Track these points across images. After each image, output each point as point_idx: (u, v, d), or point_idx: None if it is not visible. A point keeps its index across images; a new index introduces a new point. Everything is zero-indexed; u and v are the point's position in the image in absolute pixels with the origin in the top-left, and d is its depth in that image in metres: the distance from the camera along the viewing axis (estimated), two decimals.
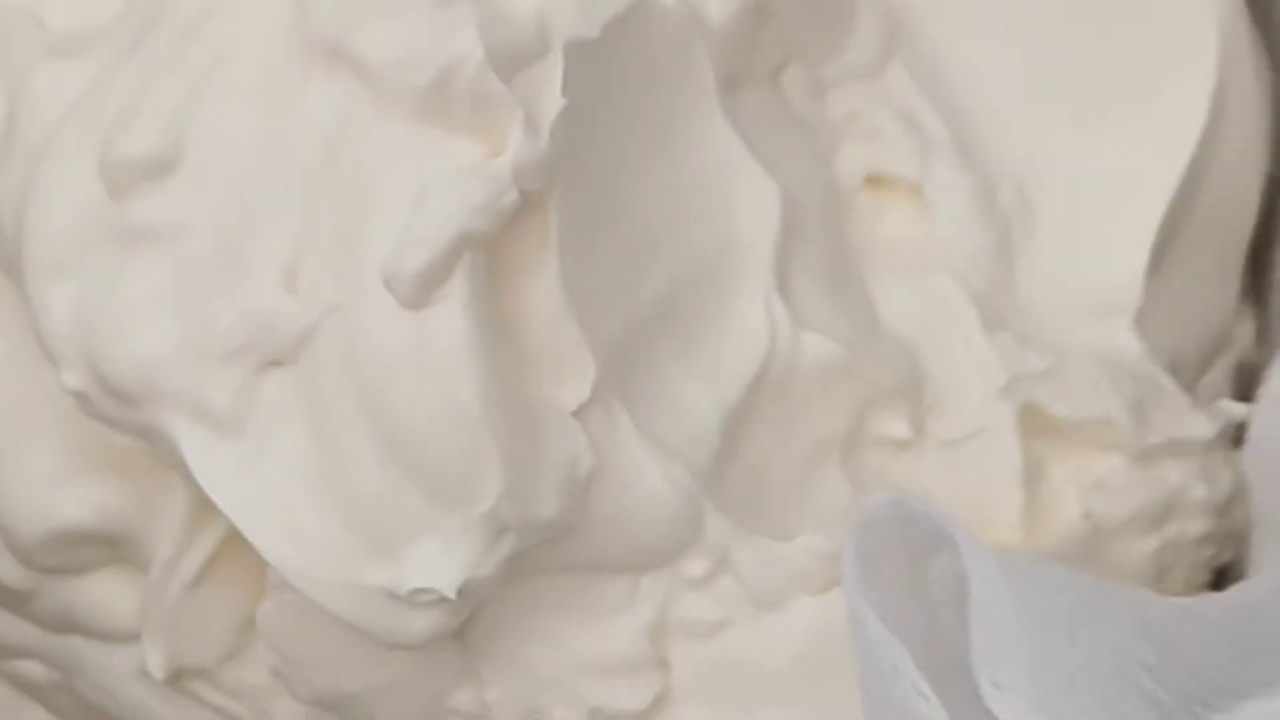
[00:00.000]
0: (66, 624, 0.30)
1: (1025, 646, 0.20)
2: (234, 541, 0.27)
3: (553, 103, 0.25)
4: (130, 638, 0.29)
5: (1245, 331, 0.32)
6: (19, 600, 0.29)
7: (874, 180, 0.31)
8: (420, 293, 0.24)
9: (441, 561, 0.25)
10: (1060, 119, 0.31)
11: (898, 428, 0.28)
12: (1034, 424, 0.29)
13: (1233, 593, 0.23)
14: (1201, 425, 0.29)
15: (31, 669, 0.32)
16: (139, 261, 0.26)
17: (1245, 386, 0.32)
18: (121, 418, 0.26)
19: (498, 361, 0.25)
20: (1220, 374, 0.32)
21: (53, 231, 0.26)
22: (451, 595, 0.24)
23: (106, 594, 0.29)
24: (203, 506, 0.27)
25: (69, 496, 0.28)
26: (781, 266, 0.28)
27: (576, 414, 0.26)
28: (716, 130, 0.28)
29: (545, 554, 0.26)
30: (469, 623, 0.26)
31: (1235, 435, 0.30)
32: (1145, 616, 0.21)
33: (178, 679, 0.29)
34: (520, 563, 0.25)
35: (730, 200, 0.28)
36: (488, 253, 0.25)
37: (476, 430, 0.24)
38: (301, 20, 0.25)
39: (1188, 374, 0.31)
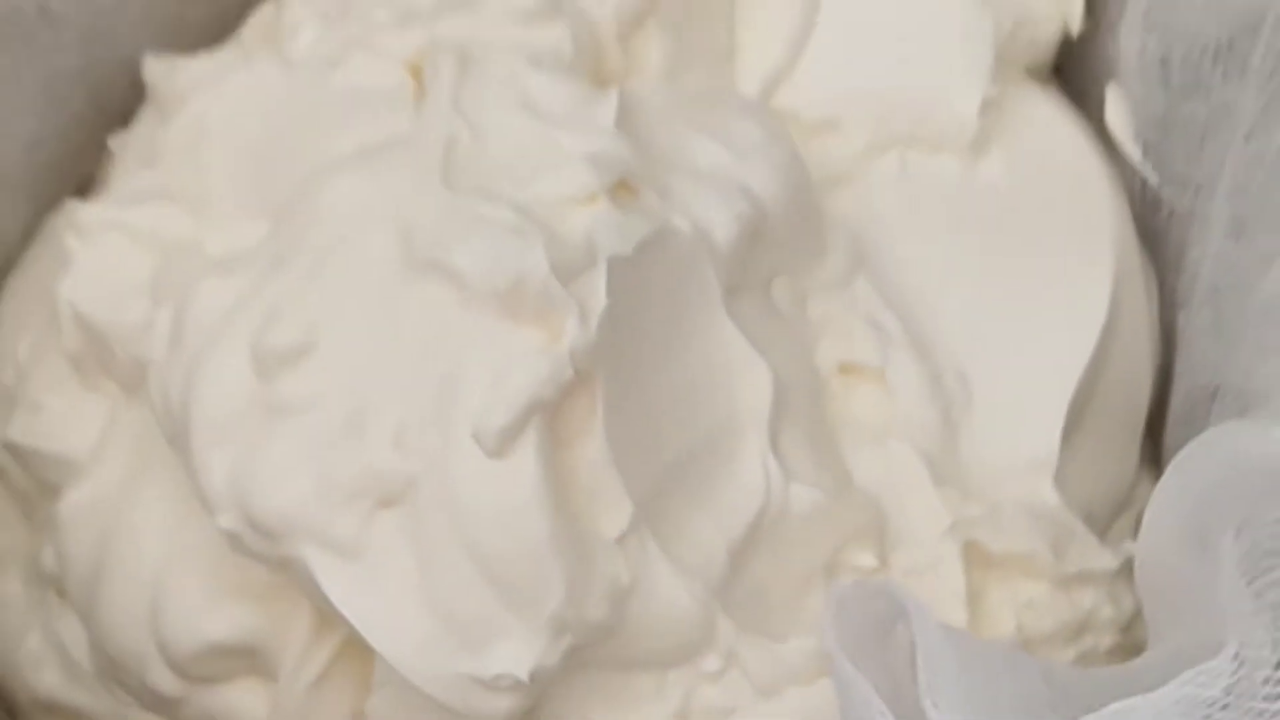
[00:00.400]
0: None
1: (959, 683, 0.27)
2: (347, 649, 0.34)
3: (598, 302, 0.32)
4: None
5: (1145, 490, 0.38)
6: (170, 706, 0.36)
7: (846, 368, 0.37)
8: (501, 446, 0.31)
9: (517, 653, 0.31)
10: (990, 319, 0.38)
11: (867, 559, 0.35)
12: (975, 557, 0.35)
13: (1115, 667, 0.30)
14: (1108, 559, 0.36)
15: None
16: (281, 429, 0.32)
17: None
18: (265, 552, 0.32)
19: (559, 500, 0.31)
20: (1126, 523, 0.38)
21: (213, 408, 0.33)
22: (526, 680, 0.31)
23: (244, 699, 0.35)
24: (323, 622, 0.34)
25: (218, 618, 0.35)
26: (774, 433, 0.34)
27: (617, 541, 0.32)
28: (722, 326, 0.34)
29: (593, 652, 0.32)
30: (535, 708, 0.33)
31: None
32: (1049, 671, 0.28)
33: None
34: (575, 658, 0.32)
35: (732, 381, 0.34)
36: (551, 416, 0.32)
37: (544, 553, 0.31)
38: (408, 244, 0.33)
39: (1099, 523, 0.37)
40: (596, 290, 0.32)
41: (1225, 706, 0.25)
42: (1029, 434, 0.37)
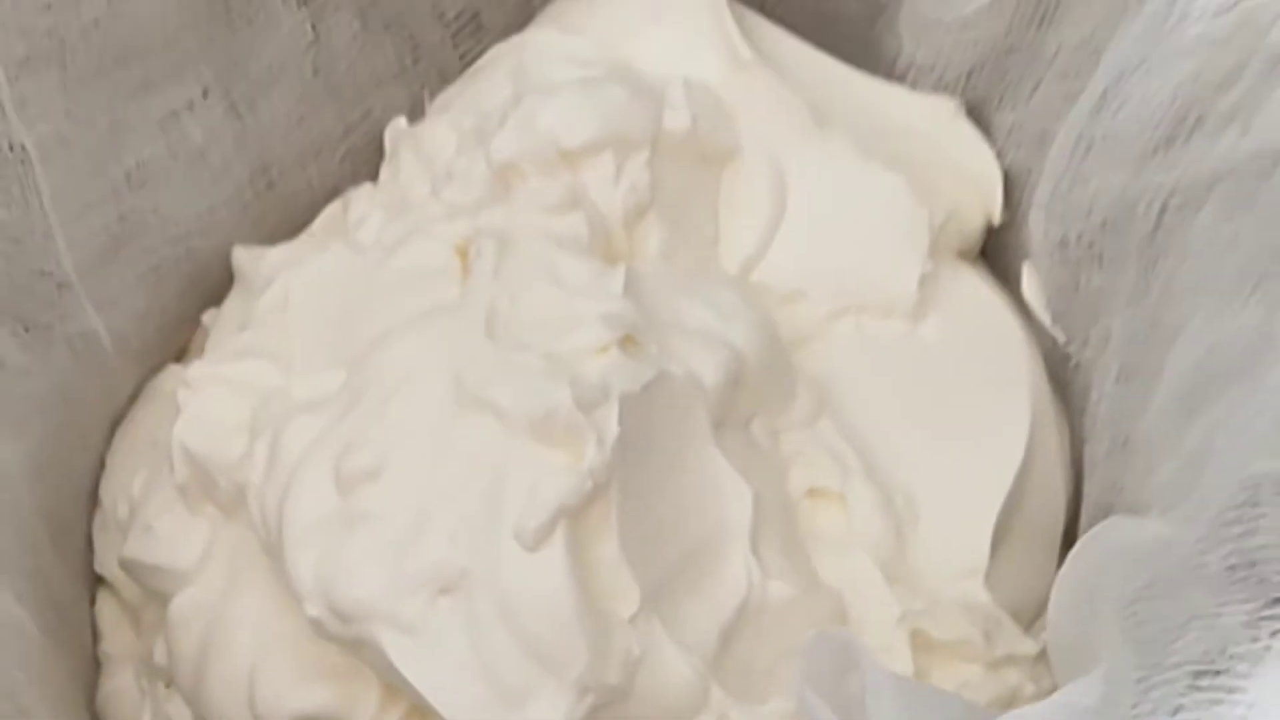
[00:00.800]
0: None
1: (899, 714, 0.34)
2: (410, 717, 0.41)
3: (612, 430, 0.39)
4: None
5: None
6: None
7: (812, 492, 0.43)
8: (537, 543, 0.38)
9: (551, 710, 0.38)
10: (931, 452, 0.44)
11: None
12: (920, 643, 0.42)
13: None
14: (1030, 646, 0.42)
15: None
16: (358, 534, 0.39)
17: None
18: (344, 634, 0.39)
19: (582, 585, 0.39)
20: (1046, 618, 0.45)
21: (302, 519, 0.40)
22: None
23: None
24: (389, 695, 0.40)
25: (304, 694, 0.41)
26: (754, 541, 0.41)
27: (629, 621, 0.39)
28: (711, 453, 0.41)
29: (610, 711, 0.39)
30: None
31: None
32: (972, 707, 0.35)
33: None
34: (595, 716, 0.39)
35: (720, 497, 0.41)
36: (575, 520, 0.39)
37: (571, 628, 0.38)
38: (458, 386, 0.40)
39: (1024, 617, 0.44)
40: (611, 421, 0.39)
41: (1098, 713, 0.32)
42: (964, 545, 0.44)
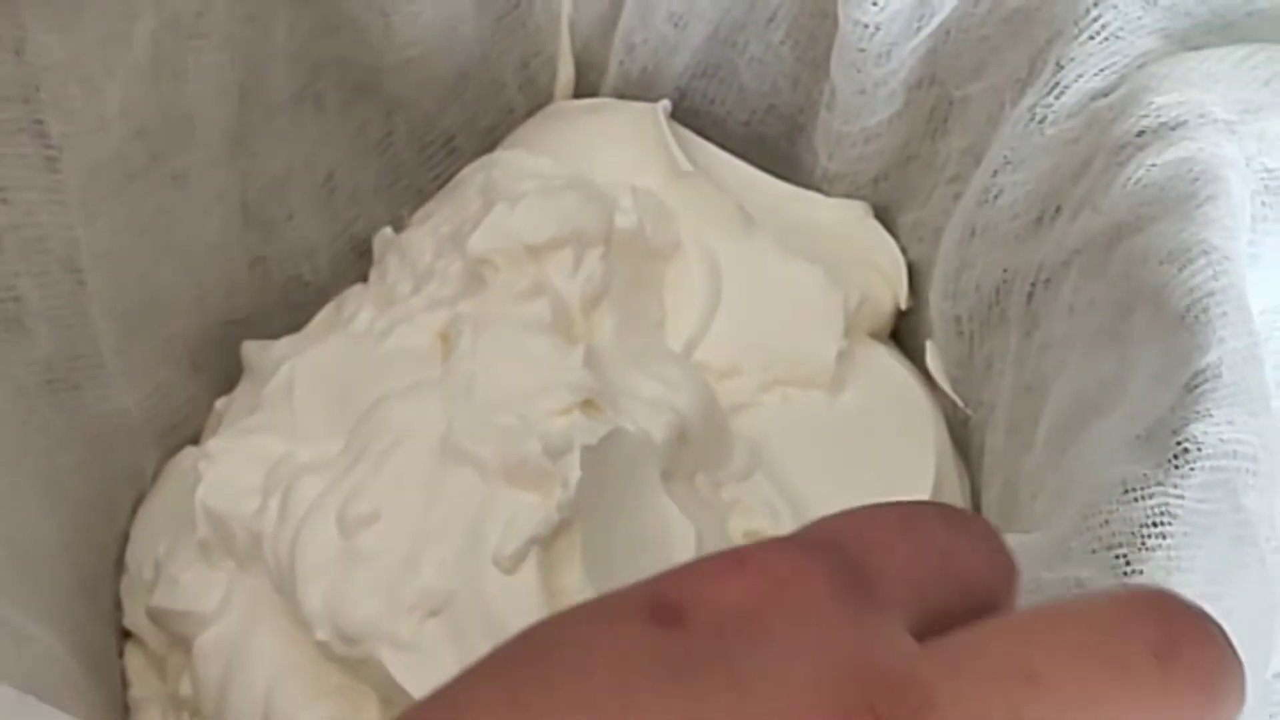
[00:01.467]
0: None
1: None
2: None
3: (575, 475, 0.45)
4: None
5: None
6: None
7: (749, 534, 0.49)
8: (513, 567, 0.44)
9: None
10: (850, 498, 0.46)
11: None
12: None
13: None
14: None
15: None
16: (359, 568, 0.46)
17: None
18: (348, 654, 0.45)
19: (553, 604, 0.45)
20: None
21: (311, 558, 0.46)
22: None
23: None
24: (386, 709, 0.47)
25: (313, 711, 0.47)
26: None
27: None
28: (660, 499, 0.47)
29: None
30: None
31: None
32: None
33: None
34: None
35: (669, 536, 0.47)
36: (545, 550, 0.45)
37: None
38: (443, 443, 0.47)
39: None
40: (574, 467, 0.45)
41: None
42: None
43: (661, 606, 0.26)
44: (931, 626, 0.26)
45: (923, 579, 0.27)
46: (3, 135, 0.47)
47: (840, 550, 0.27)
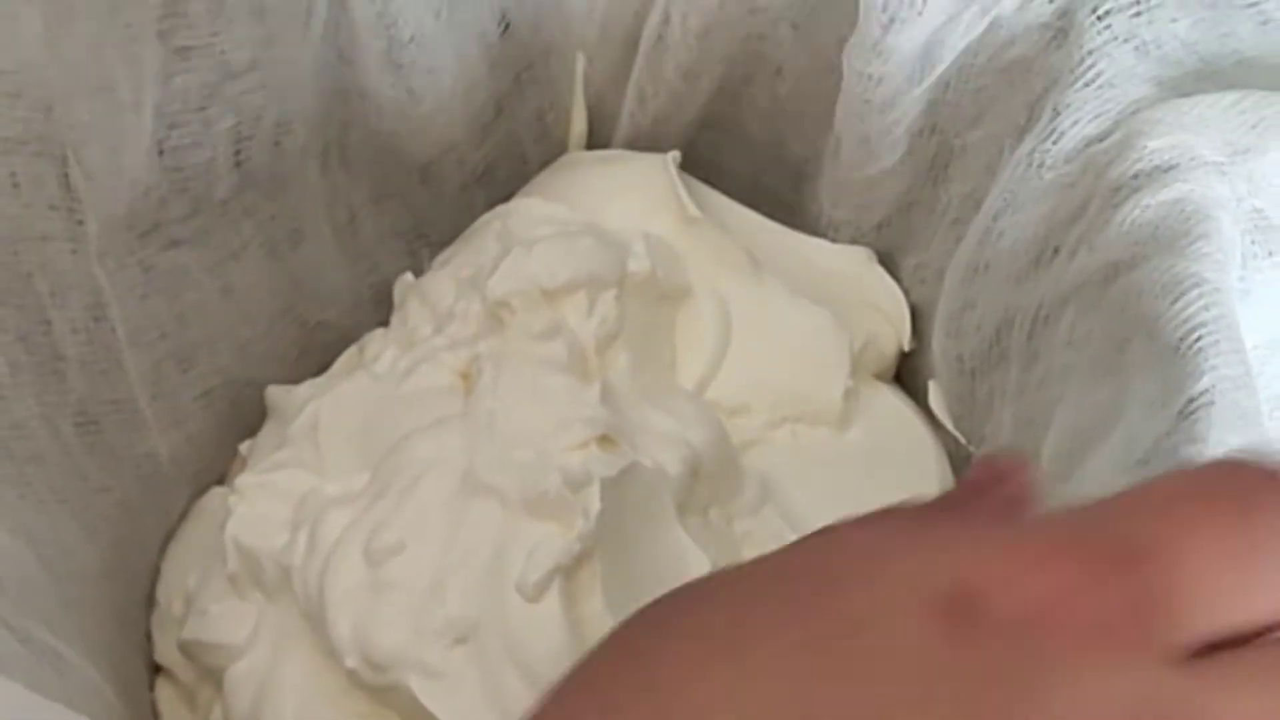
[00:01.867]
0: None
1: None
2: None
3: (595, 506, 0.47)
4: None
5: None
6: None
7: None
8: (537, 595, 0.46)
9: None
10: None
11: None
12: None
13: None
14: None
15: None
16: (386, 598, 0.47)
17: None
18: (376, 681, 0.47)
19: (575, 629, 0.46)
20: None
21: (340, 588, 0.48)
22: None
23: None
24: None
25: None
26: None
27: None
28: (675, 531, 0.49)
29: None
30: None
31: None
32: None
33: None
34: None
35: (684, 565, 0.48)
36: (567, 578, 0.47)
37: (565, 662, 0.46)
38: (466, 477, 0.49)
39: None
40: (594, 498, 0.47)
41: None
42: None
43: (957, 598, 0.26)
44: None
45: (1233, 588, 0.26)
46: (33, 185, 0.48)
47: (1148, 565, 0.26)
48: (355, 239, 0.58)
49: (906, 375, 0.59)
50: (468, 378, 0.53)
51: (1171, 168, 0.46)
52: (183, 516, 0.57)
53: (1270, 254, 0.45)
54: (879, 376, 0.58)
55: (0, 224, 0.47)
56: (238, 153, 0.52)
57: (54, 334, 0.50)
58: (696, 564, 0.49)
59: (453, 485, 0.49)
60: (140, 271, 0.52)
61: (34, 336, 0.49)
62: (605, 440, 0.50)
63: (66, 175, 0.48)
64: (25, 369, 0.49)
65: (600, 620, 0.47)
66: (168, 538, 0.57)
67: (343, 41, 0.53)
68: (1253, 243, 0.46)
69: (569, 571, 0.47)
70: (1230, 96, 0.46)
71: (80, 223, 0.49)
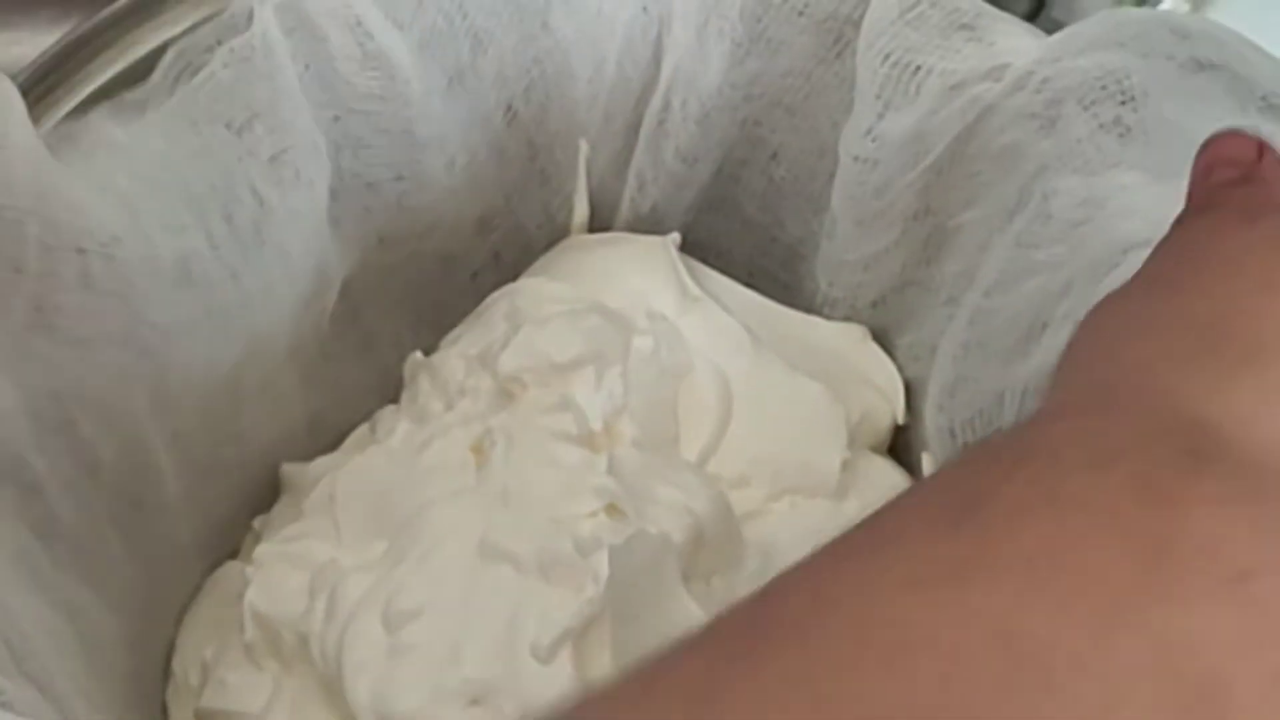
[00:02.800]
0: None
1: None
2: None
3: (604, 571, 0.48)
4: None
5: None
6: None
7: None
8: (549, 657, 0.48)
9: None
10: None
11: None
12: None
13: None
14: None
15: None
16: (404, 661, 0.49)
17: None
18: None
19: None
20: None
21: (359, 653, 0.49)
22: None
23: None
24: None
25: None
26: None
27: None
28: (681, 597, 0.50)
29: None
30: None
31: None
32: None
33: None
34: None
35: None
36: (578, 641, 0.49)
37: None
38: (481, 544, 0.51)
39: None
40: (603, 564, 0.48)
41: None
42: None
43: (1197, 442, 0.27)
44: None
45: None
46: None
47: None
48: (356, 324, 0.60)
49: (901, 448, 0.61)
50: (479, 451, 0.55)
51: (1147, 243, 0.48)
52: (198, 590, 0.59)
53: None
54: (874, 449, 0.60)
55: None
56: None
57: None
58: (700, 621, 0.51)
59: (469, 551, 0.51)
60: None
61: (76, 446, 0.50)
62: (613, 510, 0.52)
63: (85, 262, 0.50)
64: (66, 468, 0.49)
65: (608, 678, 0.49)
66: (183, 611, 0.58)
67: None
68: None
69: (580, 635, 0.49)
70: None
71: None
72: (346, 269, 0.58)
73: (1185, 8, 0.66)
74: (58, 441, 0.48)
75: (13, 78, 0.45)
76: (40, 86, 0.50)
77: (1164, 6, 0.66)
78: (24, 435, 0.47)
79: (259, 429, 0.58)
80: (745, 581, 0.55)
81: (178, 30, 0.51)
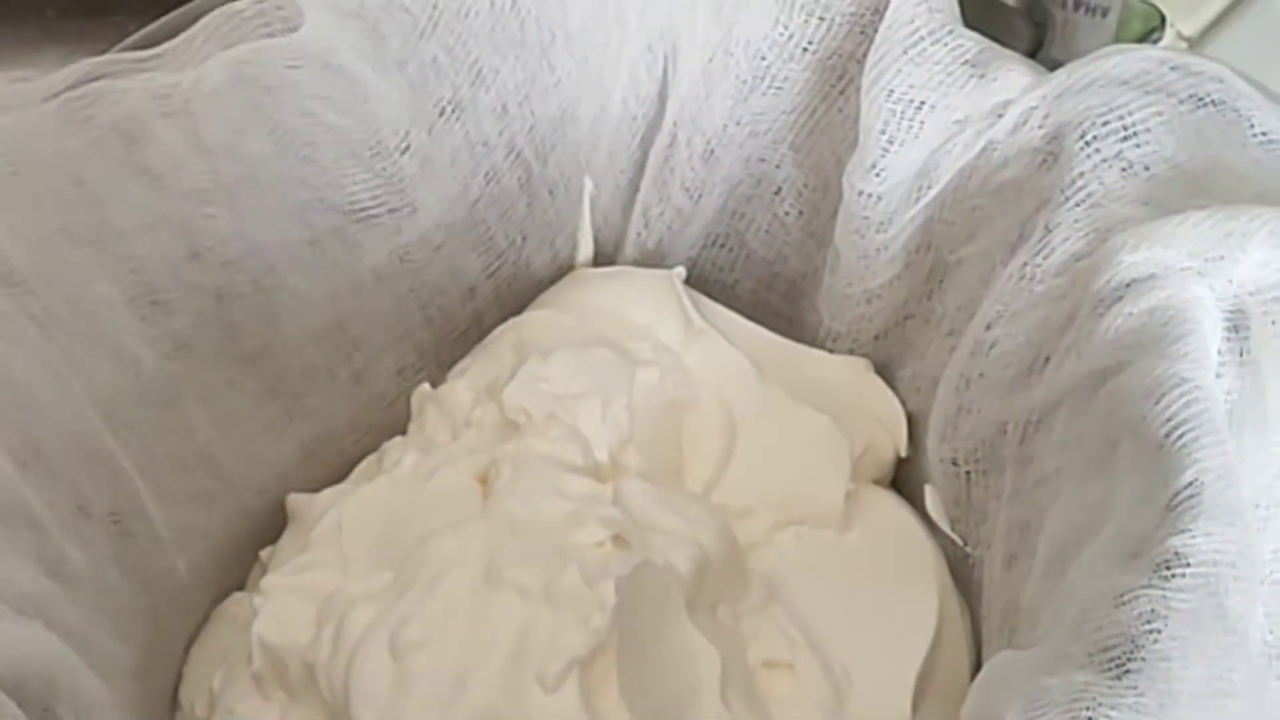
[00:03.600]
0: None
1: None
2: None
3: (610, 600, 0.48)
4: None
5: None
6: None
7: (768, 663, 0.52)
8: (556, 685, 0.48)
9: None
10: (860, 632, 0.53)
11: None
12: None
13: None
14: None
15: None
16: (412, 690, 0.49)
17: None
18: None
19: (593, 716, 0.49)
20: None
21: (366, 682, 0.49)
22: None
23: None
24: None
25: None
26: (724, 691, 0.50)
27: None
28: (686, 626, 0.50)
29: None
30: None
31: None
32: None
33: None
34: None
35: (694, 660, 0.50)
36: (584, 669, 0.49)
37: None
38: (487, 572, 0.50)
39: None
40: (609, 592, 0.48)
41: None
42: (889, 704, 0.52)
43: None
44: None
45: None
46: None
47: None
48: (353, 359, 0.60)
49: (903, 480, 0.61)
50: (485, 482, 0.55)
51: (1149, 277, 0.48)
52: (204, 620, 0.59)
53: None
54: (877, 481, 0.60)
55: None
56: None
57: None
58: (707, 659, 0.51)
59: (475, 580, 0.51)
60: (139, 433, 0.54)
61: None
62: (619, 540, 0.52)
63: None
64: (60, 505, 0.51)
65: (615, 711, 0.49)
66: (190, 642, 0.59)
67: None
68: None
69: (586, 663, 0.49)
70: (1196, 215, 0.48)
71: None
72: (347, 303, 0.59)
73: (1184, 45, 0.67)
74: (43, 478, 0.49)
75: None
76: None
77: (1164, 44, 0.67)
78: (15, 477, 0.48)
79: (239, 458, 0.58)
80: (750, 610, 0.55)
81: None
